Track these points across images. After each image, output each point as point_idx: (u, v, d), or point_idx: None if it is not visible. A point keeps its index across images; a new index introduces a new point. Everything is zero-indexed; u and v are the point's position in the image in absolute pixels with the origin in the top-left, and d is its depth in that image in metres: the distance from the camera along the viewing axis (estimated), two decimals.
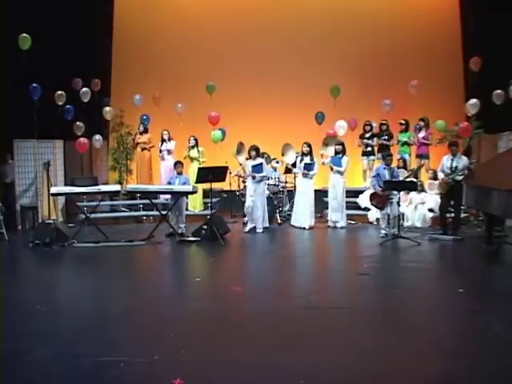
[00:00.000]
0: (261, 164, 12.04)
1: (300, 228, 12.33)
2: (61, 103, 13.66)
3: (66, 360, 4.80)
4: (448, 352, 4.98)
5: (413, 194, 12.23)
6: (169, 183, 11.89)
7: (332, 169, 12.51)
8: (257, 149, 12.22)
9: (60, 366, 4.71)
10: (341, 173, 12.34)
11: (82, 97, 14.38)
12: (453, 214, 11.03)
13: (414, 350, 4.96)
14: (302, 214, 12.46)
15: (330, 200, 12.55)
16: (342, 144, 12.42)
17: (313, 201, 12.55)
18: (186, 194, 11.33)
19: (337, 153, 12.40)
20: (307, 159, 12.43)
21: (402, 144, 13.80)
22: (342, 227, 12.34)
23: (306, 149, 12.47)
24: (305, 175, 12.45)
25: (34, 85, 12.96)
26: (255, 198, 11.91)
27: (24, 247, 10.40)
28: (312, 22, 15.81)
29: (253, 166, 11.98)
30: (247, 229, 11.96)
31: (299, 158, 12.62)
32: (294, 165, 12.91)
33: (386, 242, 10.28)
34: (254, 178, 11.93)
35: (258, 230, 11.91)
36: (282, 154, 13.34)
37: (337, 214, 12.43)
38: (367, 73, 15.41)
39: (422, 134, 13.57)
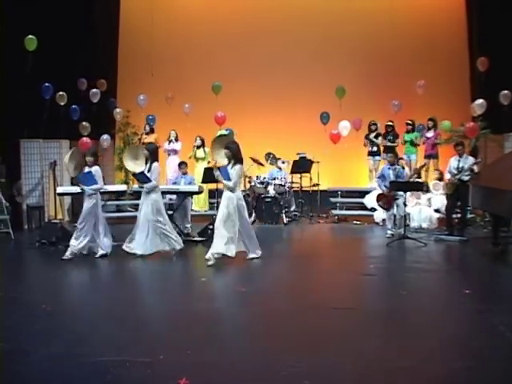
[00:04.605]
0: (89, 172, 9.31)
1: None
2: (62, 103, 13.69)
3: (70, 359, 4.81)
4: (454, 353, 4.97)
5: (419, 194, 12.20)
6: (174, 183, 11.91)
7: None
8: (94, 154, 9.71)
9: (64, 366, 4.71)
10: (230, 188, 8.67)
11: (91, 97, 14.48)
12: (459, 215, 11.01)
13: (420, 351, 4.94)
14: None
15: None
16: (231, 148, 8.77)
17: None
18: (192, 194, 11.33)
19: (229, 160, 8.82)
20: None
21: (410, 145, 13.76)
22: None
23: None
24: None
25: (47, 84, 13.04)
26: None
27: (30, 247, 10.44)
28: (319, 22, 15.80)
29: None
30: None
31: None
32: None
33: (392, 243, 10.25)
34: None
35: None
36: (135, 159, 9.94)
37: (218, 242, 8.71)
38: (374, 73, 15.41)
39: (430, 134, 13.53)
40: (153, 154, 9.42)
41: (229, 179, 8.57)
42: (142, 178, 9.25)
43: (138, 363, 4.67)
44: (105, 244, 9.28)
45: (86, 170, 9.27)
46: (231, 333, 5.58)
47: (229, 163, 8.70)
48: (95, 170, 9.26)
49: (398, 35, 15.30)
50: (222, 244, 8.49)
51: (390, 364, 4.65)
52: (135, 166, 9.66)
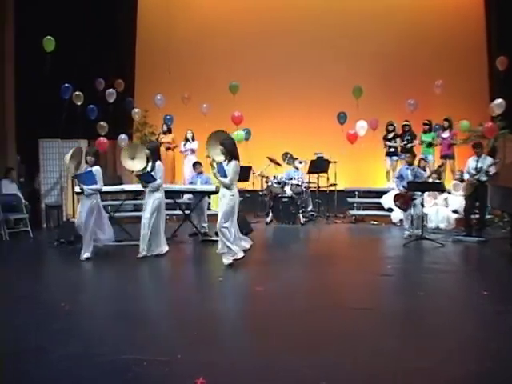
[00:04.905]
0: (90, 172, 9.19)
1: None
2: (79, 103, 13.81)
3: (88, 358, 4.84)
4: (472, 354, 4.95)
5: (435, 194, 12.14)
6: (191, 183, 11.95)
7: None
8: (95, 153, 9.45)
9: (83, 365, 4.74)
10: (226, 186, 8.43)
11: (107, 97, 14.59)
12: (477, 216, 10.94)
13: (437, 352, 4.92)
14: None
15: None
16: (226, 144, 8.47)
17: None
18: (209, 193, 11.36)
19: (224, 157, 8.57)
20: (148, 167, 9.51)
21: (427, 145, 13.69)
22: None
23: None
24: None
25: (66, 85, 13.16)
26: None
27: (49, 245, 10.52)
28: (336, 22, 15.79)
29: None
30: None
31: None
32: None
33: (409, 243, 10.22)
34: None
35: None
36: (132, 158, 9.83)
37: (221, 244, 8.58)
38: (391, 73, 15.35)
39: (445, 135, 13.47)
40: (155, 153, 9.38)
41: (225, 176, 8.33)
42: (147, 177, 9.20)
43: (155, 362, 4.69)
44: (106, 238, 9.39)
45: (88, 169, 9.21)
46: (249, 332, 5.59)
47: (225, 160, 8.47)
48: (96, 169, 9.17)
49: (415, 34, 15.26)
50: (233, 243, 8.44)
51: (408, 365, 4.63)
52: (133, 164, 9.63)
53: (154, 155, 9.35)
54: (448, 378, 4.44)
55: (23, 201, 11.80)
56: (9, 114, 12.41)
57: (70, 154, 9.26)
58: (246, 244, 8.99)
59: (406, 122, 14.04)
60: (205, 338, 5.36)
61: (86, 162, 9.25)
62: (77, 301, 6.95)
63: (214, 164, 8.47)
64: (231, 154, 8.38)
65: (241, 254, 8.45)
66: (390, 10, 15.71)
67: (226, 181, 8.30)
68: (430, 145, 13.69)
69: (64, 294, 7.38)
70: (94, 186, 9.08)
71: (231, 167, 8.30)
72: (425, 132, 13.84)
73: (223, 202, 8.38)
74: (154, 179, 9.16)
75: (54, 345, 5.22)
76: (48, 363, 4.77)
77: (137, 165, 9.56)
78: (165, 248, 9.44)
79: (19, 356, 4.90)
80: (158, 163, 9.29)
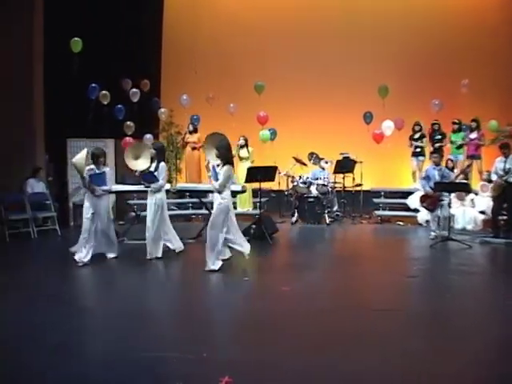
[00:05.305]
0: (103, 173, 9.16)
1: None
2: (105, 102, 13.95)
3: (115, 356, 4.91)
4: (499, 356, 4.92)
5: (462, 195, 12.03)
6: None
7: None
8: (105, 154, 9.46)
9: (110, 362, 4.81)
10: (217, 190, 8.21)
11: (131, 97, 14.71)
12: (505, 217, 10.83)
13: (464, 354, 4.90)
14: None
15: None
16: (220, 148, 8.25)
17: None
18: (235, 193, 11.39)
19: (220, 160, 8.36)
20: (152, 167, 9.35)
21: (458, 147, 13.52)
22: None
23: None
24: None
25: (93, 85, 13.31)
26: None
27: (76, 243, 10.61)
28: (362, 22, 15.72)
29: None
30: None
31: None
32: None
33: (435, 245, 10.14)
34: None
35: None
36: (136, 157, 9.56)
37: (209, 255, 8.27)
38: (418, 72, 15.22)
39: (473, 135, 13.33)
40: (160, 153, 9.29)
41: (217, 180, 8.18)
42: (149, 177, 9.10)
43: (181, 360, 4.74)
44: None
45: (101, 169, 9.10)
46: (275, 332, 5.60)
47: (220, 163, 8.27)
48: (107, 171, 9.21)
49: (441, 33, 15.14)
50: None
51: (434, 367, 4.61)
52: (137, 164, 9.45)
53: (159, 155, 9.27)
54: (475, 380, 4.43)
55: (51, 199, 11.96)
56: (38, 114, 12.56)
57: (84, 155, 8.98)
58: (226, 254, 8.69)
59: (435, 122, 13.89)
60: (230, 337, 5.41)
61: (95, 163, 9.10)
62: (104, 299, 7.03)
63: (210, 166, 8.41)
64: (224, 158, 8.20)
65: (216, 266, 8.20)
66: (416, 10, 15.59)
67: (216, 185, 8.15)
68: (460, 145, 13.51)
69: (91, 292, 7.49)
70: (105, 187, 9.08)
71: (223, 171, 8.12)
72: (454, 131, 13.68)
73: (214, 207, 8.35)
74: (157, 179, 9.08)
75: (82, 342, 5.31)
76: (76, 360, 4.84)
77: (141, 164, 9.43)
78: (180, 245, 9.43)
79: (50, 352, 4.99)
80: (162, 164, 9.21)
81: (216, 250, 8.16)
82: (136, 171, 9.49)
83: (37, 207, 11.80)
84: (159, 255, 9.10)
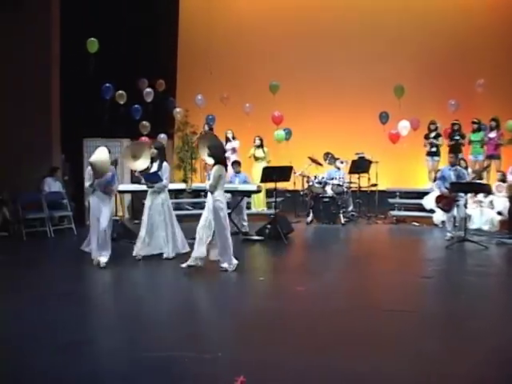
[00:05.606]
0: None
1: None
2: (122, 102, 14.03)
3: (131, 354, 4.95)
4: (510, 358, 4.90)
5: (481, 196, 11.94)
6: (229, 182, 12.02)
7: None
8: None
9: (125, 360, 4.85)
10: (208, 190, 8.23)
11: (145, 97, 14.78)
12: None
13: (478, 357, 4.87)
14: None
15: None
16: (211, 148, 8.33)
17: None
18: (251, 193, 11.41)
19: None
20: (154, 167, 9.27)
21: (481, 146, 13.41)
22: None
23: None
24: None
25: (107, 85, 13.38)
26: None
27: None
28: (377, 22, 15.63)
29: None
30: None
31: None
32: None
33: (451, 245, 10.07)
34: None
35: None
36: (134, 156, 9.55)
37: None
38: (434, 72, 15.11)
39: (492, 135, 13.21)
40: (161, 153, 9.23)
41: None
42: (154, 177, 9.05)
43: (196, 360, 4.75)
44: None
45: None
46: (289, 332, 5.60)
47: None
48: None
49: (458, 33, 15.03)
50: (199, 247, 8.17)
51: (447, 367, 4.59)
52: (136, 164, 9.42)
53: (161, 155, 9.22)
54: (488, 380, 4.40)
55: (67, 199, 12.06)
56: (54, 114, 12.65)
57: (105, 154, 8.73)
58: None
59: (455, 122, 13.76)
60: (245, 336, 5.41)
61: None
62: (119, 297, 7.08)
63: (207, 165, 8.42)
64: (215, 157, 8.18)
65: (233, 266, 8.17)
66: (431, 9, 15.47)
67: (207, 185, 8.23)
68: (482, 145, 13.37)
69: (107, 291, 7.53)
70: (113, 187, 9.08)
71: (212, 172, 8.10)
72: (474, 131, 13.54)
73: (206, 207, 8.29)
74: (161, 180, 9.05)
75: (98, 340, 5.35)
76: (92, 357, 4.89)
77: (140, 164, 9.40)
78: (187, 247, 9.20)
79: (64, 349, 5.02)
80: (165, 164, 9.17)
81: (228, 250, 8.14)
82: (135, 171, 9.53)
83: (53, 206, 11.90)
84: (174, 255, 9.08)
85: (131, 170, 9.56)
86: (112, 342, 5.35)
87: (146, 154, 9.37)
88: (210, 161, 8.31)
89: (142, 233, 9.12)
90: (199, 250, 8.09)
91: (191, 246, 8.51)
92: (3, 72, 11.84)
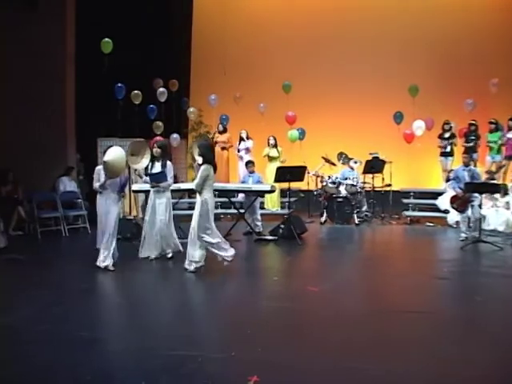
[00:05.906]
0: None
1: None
2: (137, 102, 14.09)
3: (145, 352, 4.96)
4: None
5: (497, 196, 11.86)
6: (242, 182, 12.03)
7: None
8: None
9: (138, 358, 4.87)
10: (196, 190, 8.23)
11: (158, 97, 14.82)
12: None
13: (494, 359, 4.85)
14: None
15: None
16: (200, 147, 8.29)
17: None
18: (264, 192, 11.41)
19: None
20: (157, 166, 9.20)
21: (498, 146, 13.31)
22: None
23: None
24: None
25: (119, 85, 13.44)
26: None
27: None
28: (391, 21, 15.60)
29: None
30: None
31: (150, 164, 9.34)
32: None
33: (466, 246, 10.02)
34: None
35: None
36: (133, 154, 9.47)
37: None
38: (448, 72, 15.07)
39: (510, 135, 13.09)
40: (165, 152, 9.22)
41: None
42: (159, 177, 8.98)
43: (210, 359, 4.78)
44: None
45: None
46: (302, 332, 5.60)
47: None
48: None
49: (474, 33, 14.95)
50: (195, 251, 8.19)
51: (464, 371, 4.58)
52: (136, 161, 9.37)
53: (164, 154, 9.21)
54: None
55: (81, 198, 12.13)
56: (69, 114, 12.74)
57: (121, 154, 8.54)
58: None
59: (473, 122, 13.67)
60: (259, 336, 5.41)
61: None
62: (133, 296, 7.10)
63: (194, 165, 8.42)
64: (204, 156, 8.12)
65: (230, 253, 8.23)
66: (445, 9, 15.41)
67: (193, 184, 8.28)
68: (500, 145, 13.27)
69: (120, 289, 7.57)
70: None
71: (200, 171, 8.07)
72: (491, 131, 13.45)
73: (196, 207, 8.25)
74: (166, 179, 9.03)
75: (112, 338, 5.39)
76: (105, 355, 4.94)
77: (140, 163, 9.36)
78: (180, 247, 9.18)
79: (76, 347, 5.07)
80: (169, 163, 9.16)
81: (216, 246, 8.13)
82: (136, 170, 9.52)
83: (68, 206, 12.00)
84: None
85: (134, 170, 9.52)
86: (125, 341, 5.37)
87: (146, 152, 9.34)
88: (200, 160, 8.23)
89: (146, 233, 9.13)
90: (196, 254, 8.12)
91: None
92: (19, 72, 11.92)
